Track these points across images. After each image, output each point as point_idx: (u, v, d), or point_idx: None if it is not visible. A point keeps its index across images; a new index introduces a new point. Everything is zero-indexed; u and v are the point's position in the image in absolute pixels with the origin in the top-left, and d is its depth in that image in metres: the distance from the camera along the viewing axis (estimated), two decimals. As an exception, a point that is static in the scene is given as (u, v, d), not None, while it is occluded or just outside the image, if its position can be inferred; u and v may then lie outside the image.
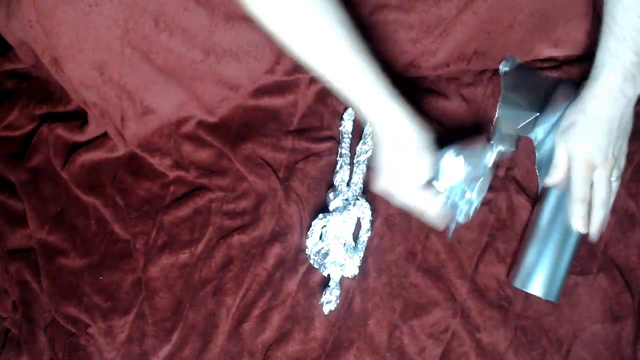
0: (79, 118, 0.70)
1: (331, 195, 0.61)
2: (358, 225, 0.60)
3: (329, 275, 0.59)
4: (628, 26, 0.45)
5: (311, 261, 0.59)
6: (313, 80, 0.66)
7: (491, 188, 0.60)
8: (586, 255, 0.58)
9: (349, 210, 0.59)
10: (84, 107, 0.66)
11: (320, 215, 0.59)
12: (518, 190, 0.61)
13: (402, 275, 0.59)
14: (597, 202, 0.53)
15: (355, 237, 0.60)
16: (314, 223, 0.59)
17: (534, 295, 0.56)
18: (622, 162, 0.54)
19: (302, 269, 0.60)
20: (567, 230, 0.55)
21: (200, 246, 0.62)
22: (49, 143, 0.69)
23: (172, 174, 0.66)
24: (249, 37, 0.59)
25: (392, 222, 0.60)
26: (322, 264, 0.59)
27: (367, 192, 0.62)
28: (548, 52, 0.64)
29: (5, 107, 0.72)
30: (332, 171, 0.63)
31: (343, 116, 0.65)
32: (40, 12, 0.55)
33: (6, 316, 0.67)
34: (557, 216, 0.56)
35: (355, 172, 0.62)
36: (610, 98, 0.47)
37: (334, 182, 0.62)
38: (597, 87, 0.48)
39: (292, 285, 0.60)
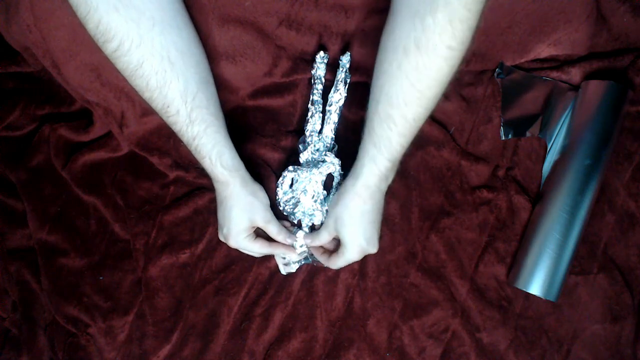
0: (82, 118, 0.70)
1: (301, 146, 0.61)
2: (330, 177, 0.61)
3: (299, 221, 0.60)
4: (383, 138, 0.47)
5: (281, 208, 0.60)
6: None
7: (491, 188, 0.60)
8: (586, 255, 0.58)
9: (319, 167, 0.59)
10: (89, 107, 0.66)
11: (290, 167, 0.59)
12: (518, 190, 0.61)
13: (402, 275, 0.59)
14: None
15: (328, 187, 0.61)
16: (284, 174, 0.60)
17: (534, 295, 0.56)
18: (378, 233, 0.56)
19: (304, 268, 0.60)
20: (567, 230, 0.55)
21: (201, 246, 0.62)
22: (50, 143, 0.69)
23: (172, 174, 0.66)
24: (244, 40, 0.59)
25: (392, 222, 0.60)
26: (291, 212, 0.59)
27: (338, 143, 0.62)
28: (548, 51, 0.64)
29: (6, 107, 0.72)
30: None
31: (315, 59, 0.62)
32: (38, 17, 0.55)
33: (6, 316, 0.67)
34: (557, 216, 0.56)
35: (327, 122, 0.61)
36: (369, 194, 0.51)
37: (305, 131, 0.61)
38: (359, 185, 0.50)
39: (294, 284, 0.60)
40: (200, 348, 0.59)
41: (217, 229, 0.63)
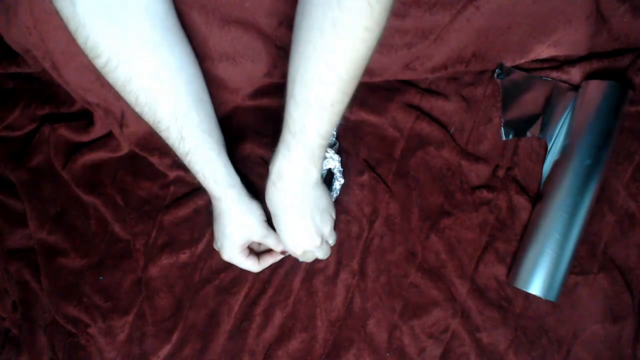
0: (83, 119, 0.70)
1: None
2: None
3: None
4: (298, 123, 0.46)
5: None
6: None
7: (491, 188, 0.60)
8: (586, 255, 0.58)
9: None
10: (89, 108, 0.66)
11: None
12: (518, 190, 0.61)
13: (402, 275, 0.59)
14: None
15: (328, 183, 0.61)
16: None
17: (534, 295, 0.56)
18: (327, 230, 0.55)
19: (304, 268, 0.60)
20: (567, 230, 0.55)
21: (201, 246, 0.62)
22: (50, 143, 0.69)
23: (172, 174, 0.66)
24: (244, 41, 0.59)
25: (392, 222, 0.60)
26: None
27: (339, 140, 0.62)
28: (548, 52, 0.64)
29: (6, 107, 0.72)
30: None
31: None
32: (37, 18, 0.55)
33: (6, 316, 0.67)
34: (557, 216, 0.56)
35: None
36: (285, 186, 0.50)
37: None
38: (273, 173, 0.50)
39: (294, 284, 0.60)
40: (200, 348, 0.59)
41: (217, 229, 0.63)
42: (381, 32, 0.41)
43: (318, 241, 0.54)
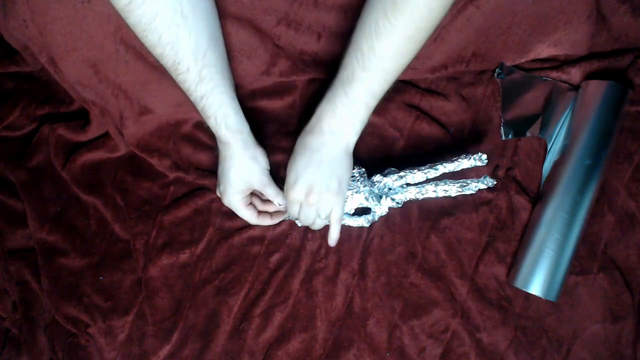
0: (81, 118, 0.70)
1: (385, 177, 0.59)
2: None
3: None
4: (347, 69, 0.47)
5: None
6: (311, 81, 0.66)
7: (491, 188, 0.60)
8: (586, 255, 0.58)
9: (373, 187, 0.58)
10: (85, 106, 0.66)
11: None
12: (518, 190, 0.61)
13: (402, 275, 0.59)
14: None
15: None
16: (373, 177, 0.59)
17: (534, 295, 0.56)
18: (328, 201, 0.53)
19: (304, 268, 0.60)
20: (567, 230, 0.55)
21: (201, 246, 0.62)
22: (50, 143, 0.69)
23: (172, 175, 0.66)
24: (241, 37, 0.59)
25: (392, 222, 0.60)
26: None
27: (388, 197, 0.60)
28: (548, 52, 0.64)
29: (6, 107, 0.72)
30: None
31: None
32: (34, 11, 0.55)
33: (6, 316, 0.67)
34: (557, 216, 0.56)
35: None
36: (319, 131, 0.51)
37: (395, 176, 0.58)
38: (313, 119, 0.51)
39: (294, 284, 0.60)
40: (200, 348, 0.59)
41: (217, 229, 0.63)
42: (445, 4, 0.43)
43: (315, 199, 0.52)
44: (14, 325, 0.66)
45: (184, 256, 0.62)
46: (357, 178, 0.58)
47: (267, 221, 0.59)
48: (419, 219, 0.60)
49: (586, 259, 0.58)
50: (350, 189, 0.58)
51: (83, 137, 0.69)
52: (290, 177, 0.53)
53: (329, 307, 0.59)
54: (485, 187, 0.56)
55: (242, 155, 0.54)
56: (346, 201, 0.58)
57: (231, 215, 0.63)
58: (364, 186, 0.58)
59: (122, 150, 0.68)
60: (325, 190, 0.52)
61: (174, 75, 0.51)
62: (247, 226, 0.62)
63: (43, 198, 0.68)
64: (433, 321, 0.58)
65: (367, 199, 0.58)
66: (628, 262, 0.58)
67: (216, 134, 0.54)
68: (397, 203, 0.59)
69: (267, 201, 0.60)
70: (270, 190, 0.56)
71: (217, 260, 0.61)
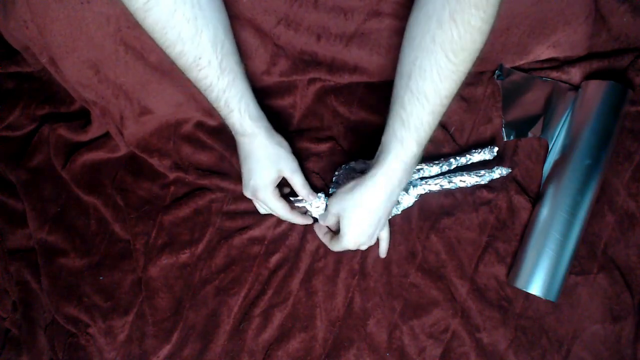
0: (82, 118, 0.70)
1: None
2: None
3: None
4: (414, 116, 0.46)
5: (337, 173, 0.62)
6: (312, 80, 0.66)
7: (491, 188, 0.60)
8: (586, 255, 0.58)
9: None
10: (86, 106, 0.66)
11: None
12: (518, 190, 0.61)
13: (402, 275, 0.59)
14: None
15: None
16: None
17: (534, 295, 0.56)
18: (381, 227, 0.55)
19: (304, 268, 0.60)
20: (567, 230, 0.55)
21: (201, 246, 0.62)
22: (50, 143, 0.69)
23: (172, 175, 0.66)
24: (241, 37, 0.59)
25: (392, 223, 0.60)
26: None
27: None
28: (547, 53, 0.64)
29: (6, 107, 0.72)
30: (333, 171, 0.63)
31: None
32: (34, 11, 0.55)
33: (6, 316, 0.67)
34: (557, 216, 0.56)
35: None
36: (385, 185, 0.49)
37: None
38: (378, 175, 0.49)
39: (294, 284, 0.60)
40: (200, 348, 0.59)
41: (217, 229, 0.63)
42: (492, 25, 0.42)
43: (374, 240, 0.54)
44: (14, 325, 0.66)
45: (184, 256, 0.62)
46: None
47: (298, 219, 0.59)
48: (419, 219, 0.60)
49: (586, 259, 0.58)
50: None
51: (83, 137, 0.69)
52: (350, 238, 0.53)
53: (328, 307, 0.59)
54: (499, 176, 0.59)
55: (269, 143, 0.54)
56: None
57: (231, 215, 0.63)
58: None
59: (122, 151, 0.68)
60: (378, 233, 0.54)
61: (194, 72, 0.49)
62: (247, 226, 0.62)
63: (43, 198, 0.68)
64: (433, 321, 0.58)
65: None
66: (628, 262, 0.58)
67: (240, 128, 0.53)
68: (419, 195, 0.60)
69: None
70: (298, 179, 0.56)
71: (217, 261, 0.61)
